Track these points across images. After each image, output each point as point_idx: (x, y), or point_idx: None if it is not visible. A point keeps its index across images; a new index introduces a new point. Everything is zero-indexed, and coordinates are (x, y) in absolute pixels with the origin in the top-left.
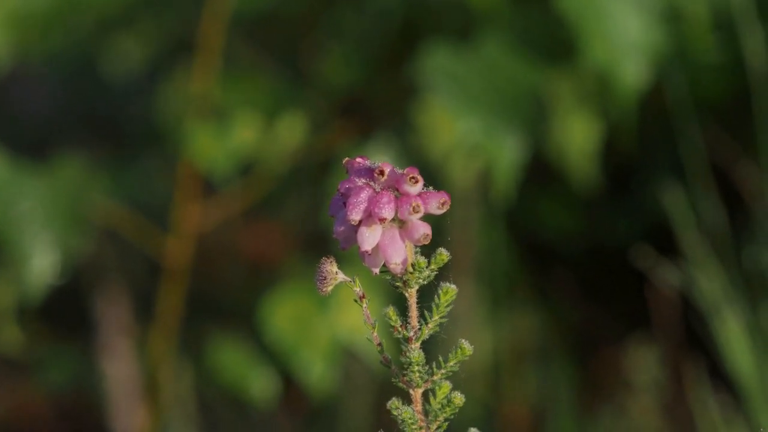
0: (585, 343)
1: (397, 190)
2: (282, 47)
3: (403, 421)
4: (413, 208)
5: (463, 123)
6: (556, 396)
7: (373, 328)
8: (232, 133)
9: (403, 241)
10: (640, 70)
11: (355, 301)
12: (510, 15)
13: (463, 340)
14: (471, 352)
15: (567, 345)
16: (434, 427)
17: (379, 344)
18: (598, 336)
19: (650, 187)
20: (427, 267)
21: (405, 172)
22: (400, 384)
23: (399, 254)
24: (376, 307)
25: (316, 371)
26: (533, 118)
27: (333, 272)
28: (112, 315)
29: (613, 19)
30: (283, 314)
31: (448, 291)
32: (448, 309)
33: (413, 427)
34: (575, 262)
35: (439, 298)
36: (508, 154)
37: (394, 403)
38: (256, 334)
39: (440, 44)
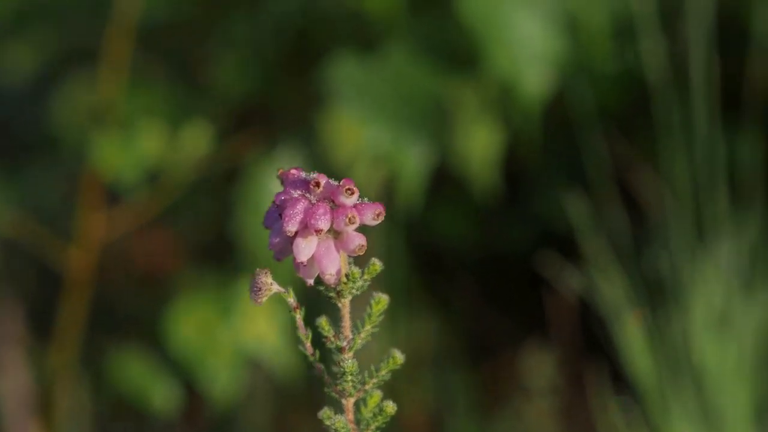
0: (483, 348)
1: (333, 201)
2: (179, 56)
3: (336, 430)
4: (349, 219)
5: (371, 132)
6: (454, 401)
7: (307, 338)
8: (138, 143)
9: (338, 252)
10: (542, 79)
11: (290, 311)
12: (412, 24)
13: (396, 350)
14: (402, 361)
15: (465, 351)
16: None
17: (312, 354)
18: (496, 341)
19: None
20: (360, 277)
21: (341, 183)
22: (333, 393)
23: (334, 265)
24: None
25: (221, 381)
26: (438, 126)
27: (268, 283)
28: (4, 327)
29: (516, 29)
30: (187, 324)
31: (380, 301)
32: (380, 318)
33: None
34: (473, 268)
35: (371, 308)
36: (414, 162)
37: (326, 413)
38: (159, 345)
39: (347, 54)
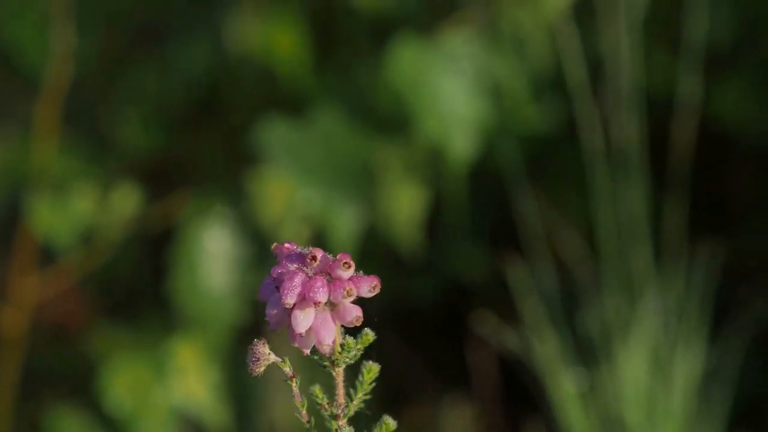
0: (403, 399)
1: (329, 274)
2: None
3: None
4: (347, 291)
5: (304, 192)
6: None
7: (303, 406)
8: (71, 204)
9: (334, 323)
10: (469, 142)
11: (285, 381)
12: (338, 87)
13: (387, 416)
14: (395, 428)
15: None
16: None
17: (308, 422)
18: (416, 393)
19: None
20: (354, 347)
21: (338, 257)
22: None
23: (330, 336)
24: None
25: None
26: (366, 187)
27: (266, 353)
28: None
29: (442, 95)
30: (121, 383)
31: (372, 369)
32: (372, 386)
33: None
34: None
35: (363, 376)
36: (346, 222)
37: None
38: (94, 403)
39: (277, 117)
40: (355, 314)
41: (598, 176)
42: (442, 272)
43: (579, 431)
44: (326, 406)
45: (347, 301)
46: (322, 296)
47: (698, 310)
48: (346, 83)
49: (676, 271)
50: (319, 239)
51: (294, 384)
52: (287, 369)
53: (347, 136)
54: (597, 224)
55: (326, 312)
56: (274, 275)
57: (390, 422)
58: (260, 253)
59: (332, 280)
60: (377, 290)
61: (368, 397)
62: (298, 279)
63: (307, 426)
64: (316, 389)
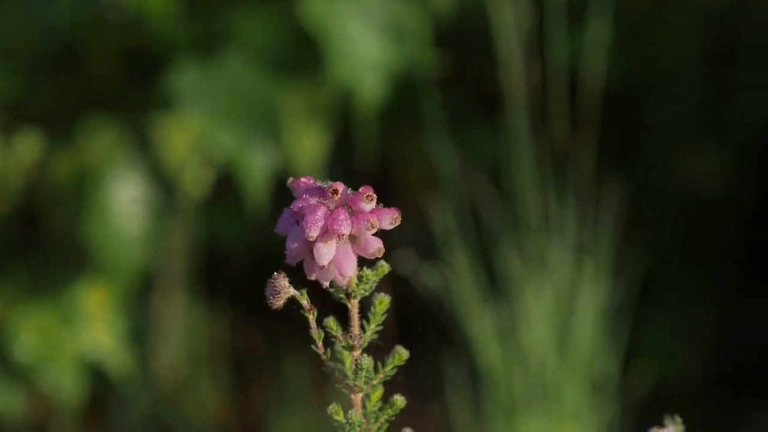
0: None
1: (350, 207)
2: None
3: (351, 423)
4: (370, 224)
5: (214, 137)
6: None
7: (320, 339)
8: None
9: (355, 256)
10: (378, 85)
11: (302, 312)
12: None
13: (400, 347)
14: (407, 356)
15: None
16: (375, 427)
17: (324, 353)
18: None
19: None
20: (371, 279)
21: (360, 190)
22: (343, 389)
23: (352, 267)
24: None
25: (66, 386)
26: (275, 131)
27: (286, 286)
28: None
29: (353, 39)
30: (29, 331)
31: (383, 300)
32: (384, 317)
33: (358, 428)
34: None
35: (375, 307)
36: (258, 165)
37: (335, 409)
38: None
39: (187, 62)
40: (376, 246)
41: (508, 119)
42: None
43: (494, 365)
44: (341, 338)
45: (369, 234)
46: (345, 228)
47: (604, 246)
48: (254, 27)
49: (584, 209)
50: (225, 183)
51: (311, 316)
52: (305, 302)
53: (255, 79)
54: (504, 167)
55: (348, 244)
56: (295, 209)
57: (402, 352)
58: (166, 199)
59: (354, 212)
60: (398, 222)
61: (380, 328)
62: (321, 212)
63: (324, 357)
64: (330, 321)
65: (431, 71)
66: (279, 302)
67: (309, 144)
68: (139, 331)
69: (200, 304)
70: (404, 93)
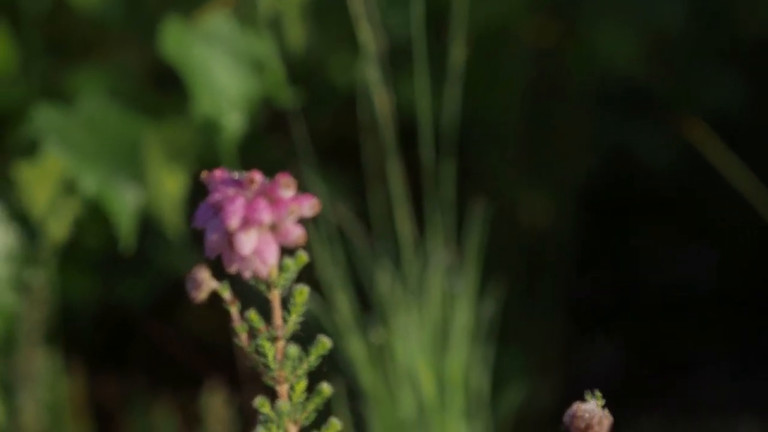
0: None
1: (269, 196)
2: None
3: (280, 414)
4: (291, 211)
5: (82, 178)
6: None
7: (245, 330)
8: None
9: (276, 245)
10: (239, 120)
11: (224, 305)
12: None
13: (323, 336)
14: (330, 346)
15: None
16: (303, 416)
17: (249, 345)
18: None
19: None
20: (292, 268)
21: (277, 178)
22: (269, 381)
23: (274, 256)
24: None
25: None
26: (138, 170)
27: (207, 279)
28: None
29: (213, 75)
30: None
31: (302, 291)
32: (304, 307)
33: (287, 418)
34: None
35: (294, 299)
36: (127, 205)
37: (260, 402)
38: None
39: (45, 107)
40: (297, 233)
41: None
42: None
43: (371, 384)
44: (264, 330)
45: (289, 221)
46: (266, 216)
47: (471, 265)
48: (107, 74)
49: (450, 231)
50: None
51: (234, 309)
52: (227, 294)
53: (116, 121)
54: (372, 198)
55: (268, 233)
56: (212, 201)
57: (325, 341)
58: (33, 243)
59: (273, 201)
60: (317, 209)
61: (302, 318)
62: (239, 202)
63: (248, 350)
64: (252, 314)
65: (291, 104)
66: (201, 295)
67: (171, 182)
68: (4, 383)
69: (59, 354)
70: (270, 127)
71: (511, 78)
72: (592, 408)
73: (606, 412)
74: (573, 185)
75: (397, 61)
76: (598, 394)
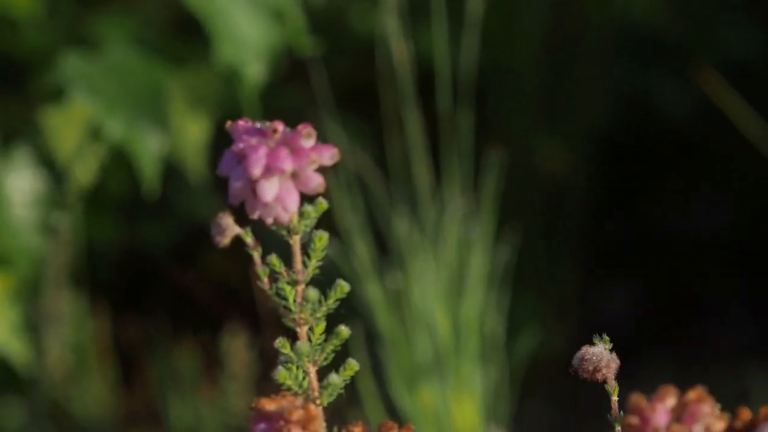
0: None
1: (291, 145)
2: None
3: (300, 355)
4: (311, 159)
5: (107, 124)
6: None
7: (267, 274)
8: None
9: (297, 192)
10: (261, 69)
11: (247, 250)
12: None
13: (341, 280)
14: (348, 290)
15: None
16: (322, 357)
17: (270, 288)
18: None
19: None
20: (312, 215)
21: (299, 128)
22: (289, 323)
23: (295, 203)
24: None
25: None
26: (162, 116)
27: (231, 225)
28: None
29: (238, 25)
30: None
31: (322, 237)
32: (324, 252)
33: (306, 358)
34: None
35: (314, 244)
36: (151, 150)
37: (281, 342)
38: None
39: (71, 54)
40: (318, 181)
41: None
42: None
43: (388, 327)
44: (285, 274)
45: (310, 170)
46: (287, 165)
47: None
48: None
49: (467, 178)
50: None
51: (255, 253)
52: (249, 239)
53: (140, 68)
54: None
55: (290, 181)
56: (236, 150)
57: (344, 285)
58: (57, 189)
59: (294, 150)
60: (337, 158)
61: (321, 263)
62: (262, 151)
63: (270, 293)
64: (273, 259)
65: (311, 53)
66: (225, 240)
67: (194, 129)
68: (31, 324)
69: (83, 297)
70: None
71: (529, 27)
72: (600, 351)
73: (613, 355)
74: (590, 133)
75: (415, 10)
76: (606, 338)
